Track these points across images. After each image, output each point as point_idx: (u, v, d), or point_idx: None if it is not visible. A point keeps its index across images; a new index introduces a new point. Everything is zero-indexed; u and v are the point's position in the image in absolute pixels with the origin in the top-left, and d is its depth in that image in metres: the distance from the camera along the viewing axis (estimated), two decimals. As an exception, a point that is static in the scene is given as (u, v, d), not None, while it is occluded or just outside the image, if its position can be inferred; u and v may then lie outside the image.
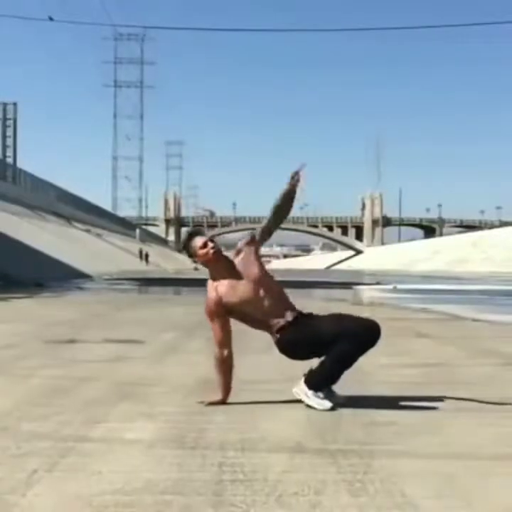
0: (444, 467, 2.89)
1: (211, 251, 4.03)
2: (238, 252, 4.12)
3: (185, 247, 4.17)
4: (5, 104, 62.84)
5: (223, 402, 4.04)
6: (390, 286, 25.26)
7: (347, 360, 4.03)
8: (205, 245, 4.05)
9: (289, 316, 4.04)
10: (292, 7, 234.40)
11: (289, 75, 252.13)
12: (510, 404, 4.18)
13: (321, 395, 4.01)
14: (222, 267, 4.07)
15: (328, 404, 3.97)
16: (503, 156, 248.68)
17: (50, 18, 39.38)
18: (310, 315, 4.15)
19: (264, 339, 7.56)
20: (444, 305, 14.90)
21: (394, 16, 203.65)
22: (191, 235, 4.14)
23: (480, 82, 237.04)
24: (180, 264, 71.88)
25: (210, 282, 4.11)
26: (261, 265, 4.12)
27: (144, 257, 56.71)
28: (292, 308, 4.12)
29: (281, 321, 4.03)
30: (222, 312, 4.04)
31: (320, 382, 4.03)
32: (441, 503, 2.47)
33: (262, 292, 4.03)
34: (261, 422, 3.65)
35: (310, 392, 4.01)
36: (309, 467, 2.87)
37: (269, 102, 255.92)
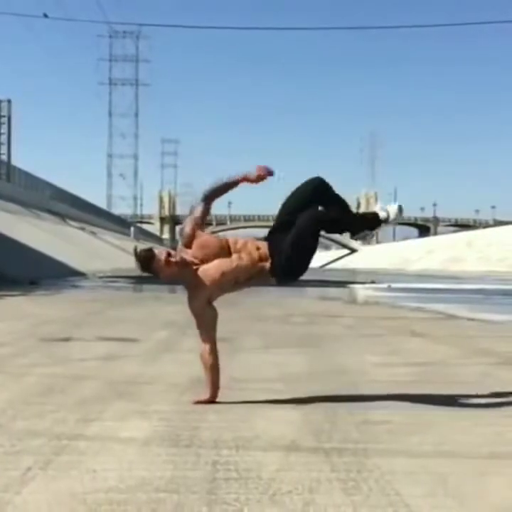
0: (438, 466, 2.89)
1: (175, 266, 4.01)
2: (189, 241, 4.10)
3: (147, 268, 4.06)
4: (-1, 101, 62.64)
5: (212, 400, 4.03)
6: (385, 285, 25.29)
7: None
8: (168, 262, 4.00)
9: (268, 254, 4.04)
10: (291, 6, 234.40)
11: (284, 73, 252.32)
12: (504, 403, 4.19)
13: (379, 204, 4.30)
14: (191, 266, 4.05)
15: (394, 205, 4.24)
16: (497, 155, 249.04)
17: (45, 15, 39.37)
18: (274, 233, 4.13)
19: (259, 338, 7.59)
20: (438, 304, 14.92)
21: (391, 15, 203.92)
22: (149, 256, 4.04)
23: (476, 82, 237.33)
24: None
25: (187, 283, 4.12)
26: (215, 237, 4.20)
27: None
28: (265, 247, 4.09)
29: (267, 264, 4.01)
30: (207, 308, 4.05)
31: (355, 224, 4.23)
32: (435, 502, 2.48)
33: (234, 256, 4.01)
34: (255, 420, 3.66)
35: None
36: (303, 466, 2.87)
37: (265, 101, 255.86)
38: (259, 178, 4.16)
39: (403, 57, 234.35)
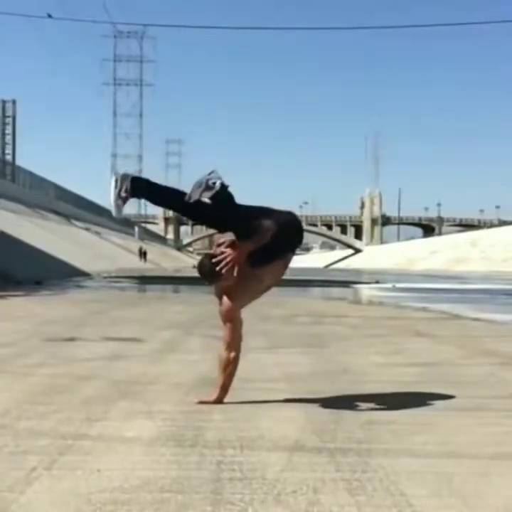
0: (442, 466, 2.89)
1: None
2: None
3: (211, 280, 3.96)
4: (4, 102, 62.76)
5: (219, 402, 4.03)
6: (389, 285, 25.28)
7: None
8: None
9: None
10: (293, 6, 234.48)
11: (288, 73, 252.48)
12: (508, 403, 4.18)
13: None
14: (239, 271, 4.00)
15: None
16: (502, 155, 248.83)
17: (49, 16, 39.42)
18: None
19: (263, 338, 7.58)
20: (443, 304, 14.91)
21: (392, 14, 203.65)
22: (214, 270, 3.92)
23: (480, 81, 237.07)
24: (179, 263, 71.88)
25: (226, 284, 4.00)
26: None
27: (142, 254, 56.71)
28: None
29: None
30: (239, 314, 4.05)
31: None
32: (439, 503, 2.48)
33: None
34: (260, 420, 3.66)
35: None
36: (308, 466, 2.87)
37: (269, 101, 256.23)
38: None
39: (407, 57, 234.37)
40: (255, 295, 4.13)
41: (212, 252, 4.01)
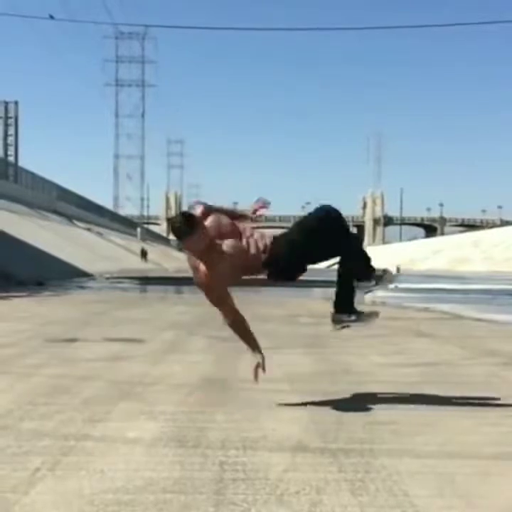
0: (444, 466, 2.89)
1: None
2: (206, 216, 4.09)
3: (190, 226, 3.91)
4: (6, 103, 62.73)
5: (259, 366, 4.02)
6: (391, 285, 25.24)
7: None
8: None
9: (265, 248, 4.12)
10: (293, 6, 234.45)
11: (290, 73, 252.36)
12: (510, 404, 4.18)
13: (353, 317, 4.41)
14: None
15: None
16: (504, 155, 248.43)
17: (51, 17, 39.45)
18: (279, 236, 4.20)
19: (264, 339, 7.57)
20: (445, 304, 14.89)
21: (394, 14, 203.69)
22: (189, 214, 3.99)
23: (482, 81, 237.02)
24: (180, 263, 71.86)
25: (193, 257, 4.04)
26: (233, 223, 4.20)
27: (144, 255, 56.70)
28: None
29: (262, 256, 4.11)
30: (222, 282, 4.05)
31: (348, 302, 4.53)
32: (442, 503, 2.48)
33: (244, 242, 4.10)
34: (262, 421, 3.66)
35: (345, 316, 4.48)
36: (310, 466, 2.87)
37: (271, 101, 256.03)
38: (256, 213, 4.39)
39: (409, 57, 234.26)
40: (228, 274, 4.04)
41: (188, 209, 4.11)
